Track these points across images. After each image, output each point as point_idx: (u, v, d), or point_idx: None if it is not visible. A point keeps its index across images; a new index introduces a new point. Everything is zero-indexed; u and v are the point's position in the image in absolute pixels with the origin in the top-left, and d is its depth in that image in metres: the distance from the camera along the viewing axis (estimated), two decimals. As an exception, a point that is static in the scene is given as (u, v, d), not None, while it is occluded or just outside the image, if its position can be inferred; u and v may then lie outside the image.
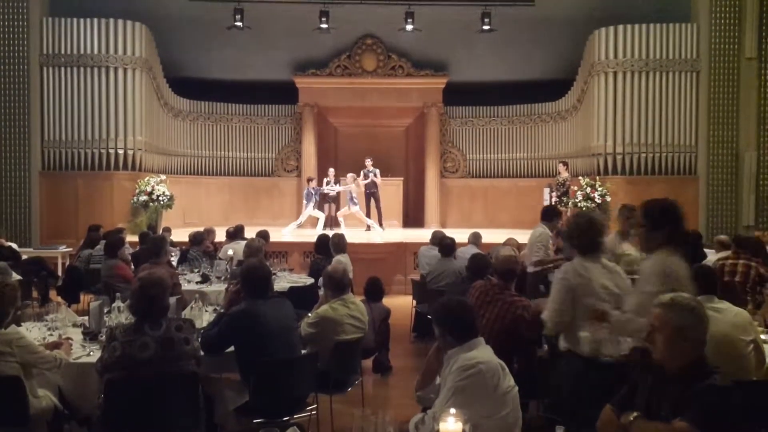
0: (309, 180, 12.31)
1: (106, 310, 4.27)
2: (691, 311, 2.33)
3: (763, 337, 3.78)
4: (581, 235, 3.37)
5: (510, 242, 6.70)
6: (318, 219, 12.09)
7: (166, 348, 3.20)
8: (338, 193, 12.59)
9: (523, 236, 8.46)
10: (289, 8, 12.33)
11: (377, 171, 12.28)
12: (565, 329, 3.27)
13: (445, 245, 6.70)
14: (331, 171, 12.63)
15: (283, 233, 11.17)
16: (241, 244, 6.71)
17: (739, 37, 11.38)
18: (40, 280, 7.42)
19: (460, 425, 2.14)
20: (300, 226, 11.88)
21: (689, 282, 3.00)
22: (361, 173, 12.26)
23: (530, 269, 6.10)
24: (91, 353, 3.72)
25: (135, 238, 8.83)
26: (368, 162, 12.29)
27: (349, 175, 12.05)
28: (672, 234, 3.06)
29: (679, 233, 3.09)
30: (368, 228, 12.20)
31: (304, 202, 12.00)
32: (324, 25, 12.12)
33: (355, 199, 11.95)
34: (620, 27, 11.83)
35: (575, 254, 3.38)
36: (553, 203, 12.00)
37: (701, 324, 2.33)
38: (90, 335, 4.01)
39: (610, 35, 11.89)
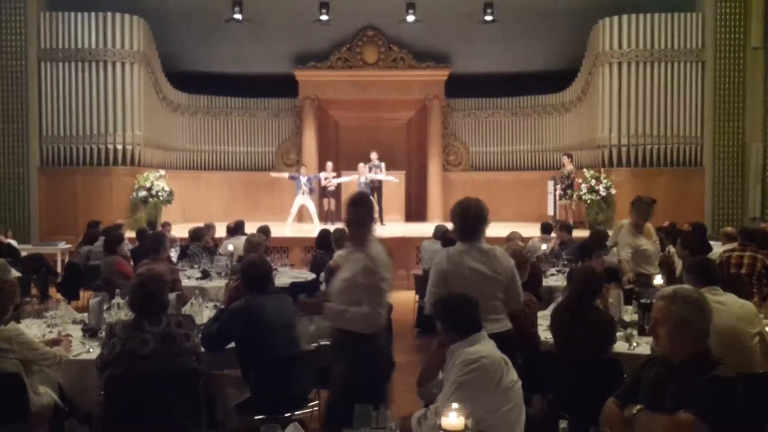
0: (302, 166, 12.30)
1: (105, 307, 4.26)
2: (694, 303, 2.31)
3: (768, 329, 3.74)
4: (458, 220, 3.54)
5: (514, 236, 6.65)
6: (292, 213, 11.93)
7: (167, 344, 3.19)
8: (338, 188, 12.55)
9: (526, 229, 8.42)
10: (289, 0, 12.26)
11: (383, 165, 12.24)
12: None
13: (447, 240, 6.64)
14: (329, 165, 12.57)
15: (287, 230, 11.21)
16: (241, 240, 6.68)
17: (744, 27, 11.31)
18: (40, 276, 7.40)
19: (462, 420, 2.12)
20: (312, 216, 11.87)
21: (387, 271, 3.19)
22: (366, 167, 12.21)
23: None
24: (91, 350, 3.72)
25: (134, 234, 8.80)
26: (373, 155, 12.24)
27: (360, 165, 12.05)
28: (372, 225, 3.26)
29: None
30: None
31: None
32: (324, 17, 12.06)
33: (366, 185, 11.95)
34: (624, 17, 11.75)
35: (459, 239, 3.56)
36: (556, 195, 11.98)
37: (704, 316, 2.31)
38: (90, 332, 4.01)
39: (614, 25, 11.81)
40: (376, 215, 3.32)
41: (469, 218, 3.53)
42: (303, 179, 11.77)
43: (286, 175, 12.45)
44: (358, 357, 3.17)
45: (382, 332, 3.33)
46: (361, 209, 3.28)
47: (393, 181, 12.22)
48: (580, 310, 3.60)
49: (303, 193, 11.74)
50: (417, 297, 7.29)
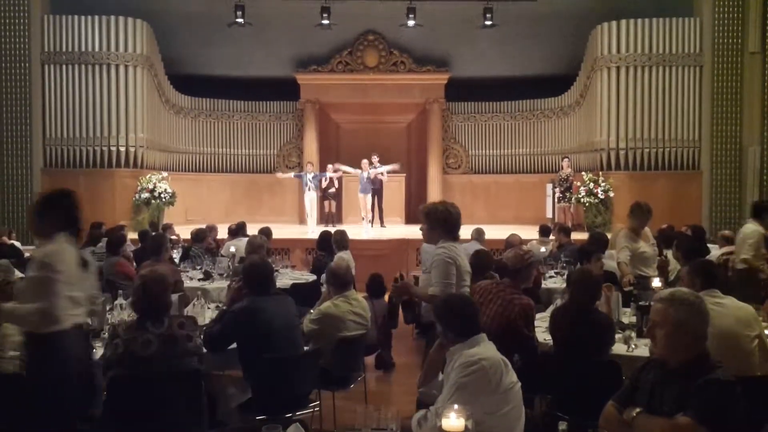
0: (308, 164, 12.39)
1: (108, 308, 4.27)
2: (691, 306, 2.32)
3: (767, 332, 3.76)
4: (445, 221, 3.80)
5: (513, 238, 6.68)
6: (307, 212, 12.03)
7: (169, 345, 3.20)
8: (338, 190, 12.58)
9: (525, 232, 8.46)
10: (290, 4, 12.30)
11: (384, 167, 12.29)
12: None
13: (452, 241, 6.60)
14: (330, 167, 12.62)
15: (309, 231, 11.24)
16: (243, 241, 6.70)
17: (742, 32, 11.34)
18: (43, 277, 7.41)
19: (462, 421, 2.14)
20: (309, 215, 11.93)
21: (62, 266, 3.02)
22: (368, 164, 12.25)
23: (740, 266, 5.79)
24: (94, 351, 3.72)
25: (137, 236, 8.82)
26: (374, 158, 12.29)
27: (364, 162, 12.11)
28: (65, 222, 3.10)
29: (74, 220, 3.15)
30: (370, 222, 12.22)
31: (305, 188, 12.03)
32: (325, 21, 12.09)
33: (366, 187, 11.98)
34: (623, 22, 11.80)
35: (439, 238, 3.79)
36: (554, 198, 12.01)
37: (701, 318, 2.32)
38: (92, 333, 4.01)
39: (612, 30, 11.85)
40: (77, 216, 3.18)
41: (453, 219, 3.79)
42: (309, 176, 11.84)
43: (291, 174, 12.52)
44: (38, 360, 2.98)
45: (73, 333, 3.10)
46: (40, 203, 3.20)
47: (395, 168, 12.19)
48: (579, 312, 3.63)
49: (309, 190, 11.81)
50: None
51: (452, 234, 3.81)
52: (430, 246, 7.40)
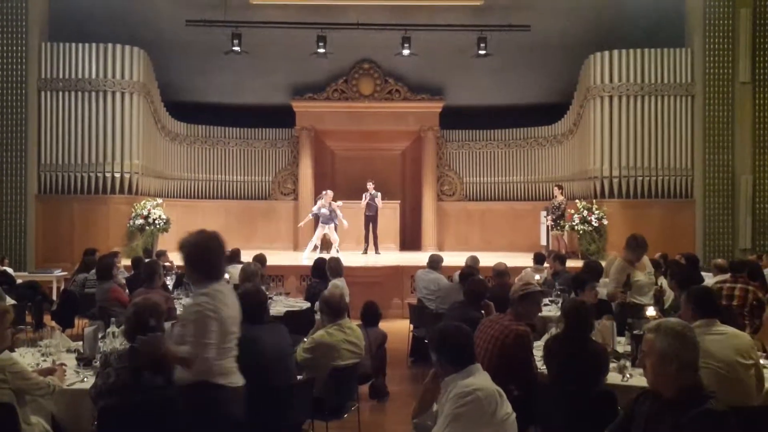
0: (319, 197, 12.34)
1: (100, 336, 4.23)
2: (676, 336, 2.32)
3: (762, 362, 3.75)
4: (202, 259, 3.11)
5: (499, 266, 6.69)
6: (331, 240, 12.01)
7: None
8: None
9: (519, 259, 8.47)
10: (287, 33, 12.45)
11: (379, 194, 12.32)
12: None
13: (466, 275, 6.13)
14: (330, 193, 12.62)
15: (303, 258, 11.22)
16: (237, 268, 6.68)
17: (732, 62, 11.51)
18: (35, 304, 7.36)
19: (457, 453, 2.12)
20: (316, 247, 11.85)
21: None
22: (363, 196, 12.30)
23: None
24: (85, 379, 3.69)
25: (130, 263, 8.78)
26: (370, 185, 12.34)
27: (329, 192, 12.07)
28: None
29: None
30: (364, 251, 12.21)
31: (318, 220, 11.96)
32: (321, 50, 12.22)
33: (332, 219, 11.89)
34: (615, 52, 11.97)
35: (202, 280, 3.07)
36: (548, 226, 12.07)
37: (687, 348, 2.31)
38: (84, 361, 3.98)
39: (605, 60, 12.02)
40: None
41: (213, 254, 3.15)
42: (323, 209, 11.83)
43: (310, 216, 12.33)
44: None
45: None
46: None
47: (343, 224, 12.07)
48: (574, 342, 3.62)
49: (322, 221, 11.82)
50: (411, 326, 7.29)
51: (213, 274, 3.03)
52: (424, 272, 7.46)
